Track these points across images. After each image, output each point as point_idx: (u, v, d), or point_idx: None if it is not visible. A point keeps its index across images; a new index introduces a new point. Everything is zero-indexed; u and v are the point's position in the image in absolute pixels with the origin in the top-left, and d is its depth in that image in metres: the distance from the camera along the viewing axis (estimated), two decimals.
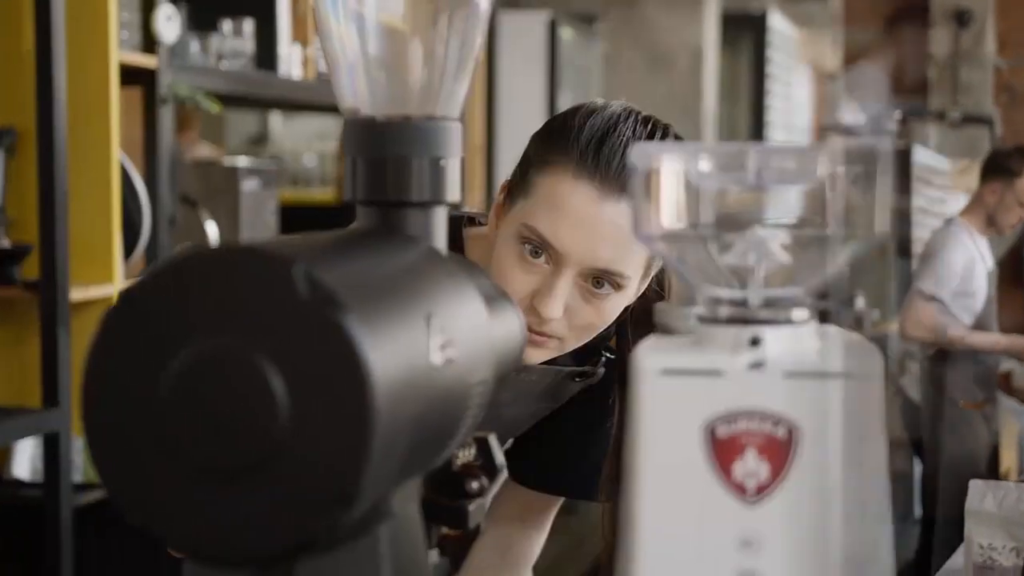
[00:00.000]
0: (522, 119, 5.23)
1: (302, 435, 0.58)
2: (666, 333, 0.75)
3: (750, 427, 0.66)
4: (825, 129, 4.42)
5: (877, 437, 0.66)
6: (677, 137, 1.30)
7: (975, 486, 2.01)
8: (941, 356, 4.22)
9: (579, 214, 1.21)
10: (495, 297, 0.83)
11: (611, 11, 5.59)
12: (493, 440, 0.85)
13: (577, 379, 1.40)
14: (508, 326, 0.83)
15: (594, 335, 1.28)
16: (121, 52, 2.47)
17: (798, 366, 0.66)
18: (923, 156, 6.08)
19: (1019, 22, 9.82)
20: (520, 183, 1.27)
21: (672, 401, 0.66)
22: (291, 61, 3.16)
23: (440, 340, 0.67)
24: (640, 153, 0.69)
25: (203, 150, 3.91)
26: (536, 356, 1.27)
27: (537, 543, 1.50)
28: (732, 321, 0.68)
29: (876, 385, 0.66)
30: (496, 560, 1.45)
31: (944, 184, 6.19)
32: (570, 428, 1.43)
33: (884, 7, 10.04)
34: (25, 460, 2.51)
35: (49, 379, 2.26)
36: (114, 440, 0.61)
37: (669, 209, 0.70)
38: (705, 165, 0.68)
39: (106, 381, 0.61)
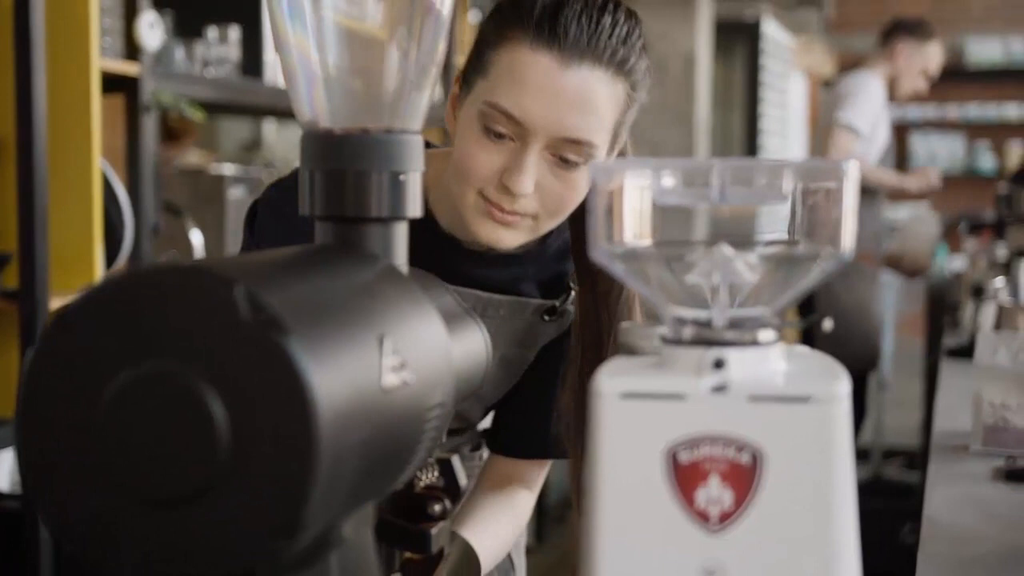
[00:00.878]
0: None
1: (243, 462, 0.56)
2: (630, 353, 0.73)
3: (713, 453, 0.64)
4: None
5: (844, 462, 0.64)
6: (634, 16, 1.26)
7: (985, 338, 1.89)
8: None
9: (540, 84, 1.19)
10: (457, 315, 0.81)
11: None
12: (456, 461, 0.82)
13: (547, 317, 1.38)
14: (470, 344, 0.80)
15: (566, 214, 1.26)
16: (103, 59, 2.45)
17: (763, 389, 0.64)
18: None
19: None
20: (476, 65, 1.24)
21: (633, 426, 0.64)
22: (277, 68, 3.14)
23: (393, 362, 0.65)
24: (600, 170, 0.67)
25: (192, 157, 3.89)
26: (510, 238, 1.25)
27: (531, 501, 1.47)
28: (696, 342, 0.66)
29: (843, 409, 0.64)
30: (496, 509, 1.41)
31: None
32: (544, 387, 1.41)
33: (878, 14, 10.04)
34: (5, 471, 2.48)
35: None
36: (49, 464, 0.58)
37: (630, 227, 0.68)
38: (668, 182, 0.66)
39: (42, 403, 0.58)
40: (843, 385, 0.64)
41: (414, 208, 0.76)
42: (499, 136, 1.21)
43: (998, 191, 4.19)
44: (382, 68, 0.76)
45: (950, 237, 9.68)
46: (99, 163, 2.40)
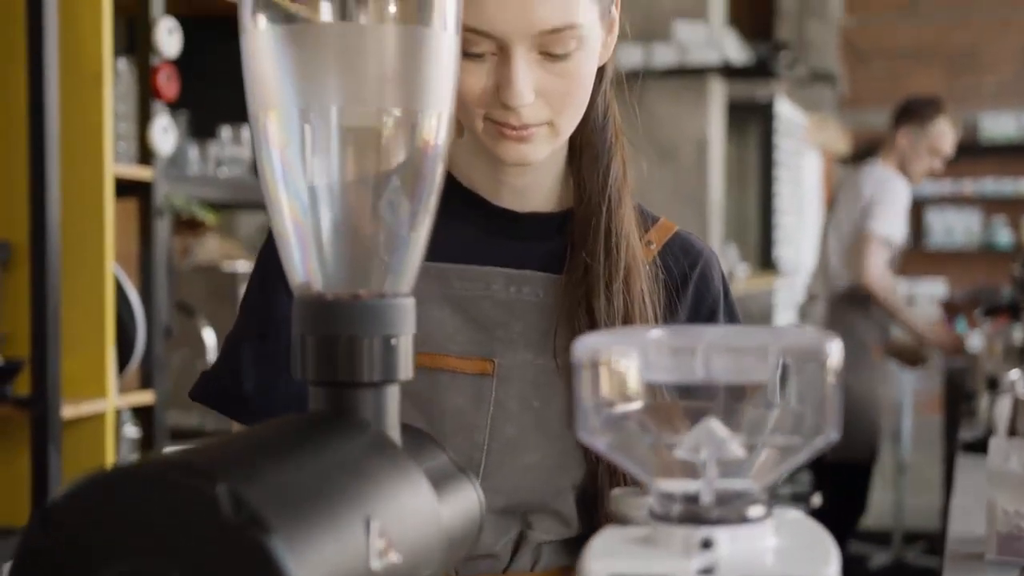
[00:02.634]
0: None
1: None
2: (622, 522, 0.73)
3: None
4: None
5: None
6: None
7: (996, 444, 1.87)
8: (852, 297, 4.30)
9: None
10: (450, 475, 0.81)
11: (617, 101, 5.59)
12: None
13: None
14: (462, 506, 0.80)
15: (581, 107, 1.17)
16: (117, 165, 2.47)
17: (751, 570, 0.64)
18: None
19: None
20: None
21: None
22: None
23: (381, 543, 0.65)
24: (584, 346, 0.67)
25: (211, 244, 3.92)
26: (534, 152, 1.17)
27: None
28: (684, 520, 0.66)
29: None
30: None
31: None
32: None
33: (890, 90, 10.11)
34: None
35: (40, 498, 2.24)
36: None
37: (616, 400, 0.68)
38: (653, 358, 0.66)
39: None
40: (833, 567, 0.64)
41: (406, 371, 0.76)
42: (479, 56, 1.13)
43: (1013, 272, 4.17)
44: (374, 233, 0.77)
45: (968, 313, 9.67)
46: (112, 268, 2.42)
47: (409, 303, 0.77)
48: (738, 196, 7.21)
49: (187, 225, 3.59)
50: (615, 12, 1.23)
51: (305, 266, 0.76)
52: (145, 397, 2.52)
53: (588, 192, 1.25)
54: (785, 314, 6.99)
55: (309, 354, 0.75)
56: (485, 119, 1.16)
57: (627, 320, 1.18)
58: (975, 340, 5.01)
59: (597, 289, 1.19)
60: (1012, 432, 2.78)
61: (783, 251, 7.38)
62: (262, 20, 0.74)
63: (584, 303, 1.19)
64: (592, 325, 1.17)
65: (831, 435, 0.65)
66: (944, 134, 4.50)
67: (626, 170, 1.28)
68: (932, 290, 10.14)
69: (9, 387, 2.30)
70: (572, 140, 1.26)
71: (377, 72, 0.75)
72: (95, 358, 2.38)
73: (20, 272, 2.36)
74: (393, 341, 0.75)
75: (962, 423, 3.63)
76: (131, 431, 2.59)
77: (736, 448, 0.66)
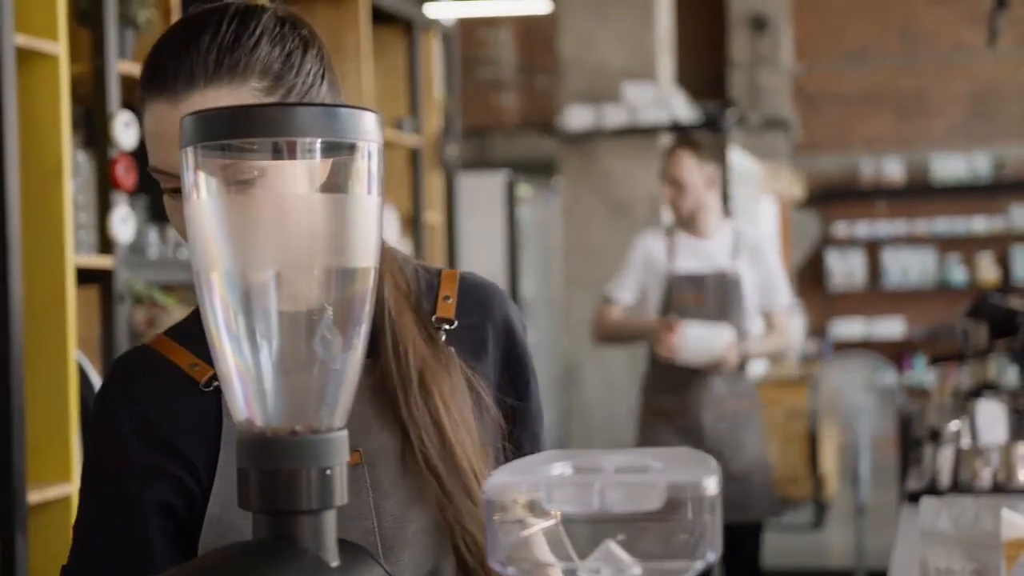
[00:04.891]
0: (484, 275, 5.34)
1: None
2: None
3: None
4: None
5: None
6: (288, 22, 1.21)
7: (928, 504, 1.91)
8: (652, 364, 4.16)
9: (161, 130, 1.16)
10: None
11: (568, 163, 5.73)
12: None
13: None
14: None
15: None
16: (78, 255, 2.55)
17: None
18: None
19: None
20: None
21: None
22: None
23: None
24: (495, 487, 0.75)
25: (175, 316, 3.97)
26: None
27: None
28: None
29: None
30: None
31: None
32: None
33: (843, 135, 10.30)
34: None
35: None
36: None
37: (522, 530, 0.76)
38: (554, 494, 0.75)
39: None
40: None
41: (341, 497, 0.84)
42: (175, 192, 1.18)
43: (957, 324, 4.25)
44: (309, 372, 0.85)
45: (926, 349, 9.83)
46: (74, 355, 2.49)
47: (342, 436, 0.85)
48: None
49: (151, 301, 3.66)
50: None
51: (247, 405, 0.85)
52: None
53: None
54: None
55: (252, 486, 0.83)
56: None
57: (437, 417, 1.25)
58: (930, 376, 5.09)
59: (400, 400, 1.26)
60: (955, 484, 2.87)
61: None
62: (203, 191, 0.83)
63: (395, 409, 1.26)
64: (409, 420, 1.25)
65: (710, 557, 0.74)
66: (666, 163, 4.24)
67: (404, 279, 1.31)
68: (890, 329, 10.31)
69: None
70: None
71: (309, 234, 0.83)
72: (60, 444, 2.44)
73: None
74: (328, 471, 0.84)
75: (911, 470, 3.71)
76: None
77: (634, 569, 0.75)
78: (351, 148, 0.84)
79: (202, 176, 0.84)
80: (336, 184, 0.84)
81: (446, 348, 1.29)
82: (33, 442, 2.41)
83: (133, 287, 2.67)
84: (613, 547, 0.75)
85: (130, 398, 1.25)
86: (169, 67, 1.17)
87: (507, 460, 1.29)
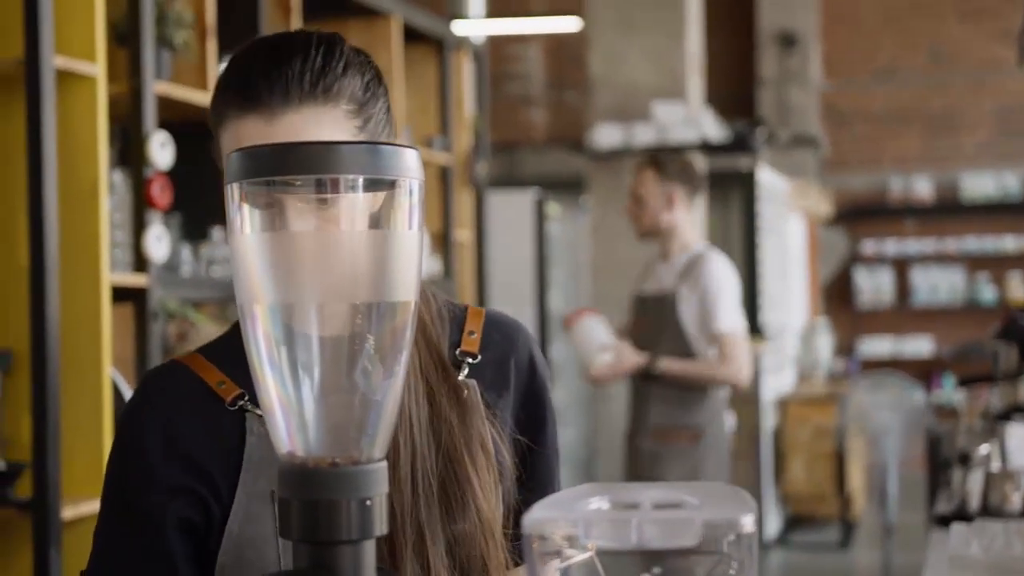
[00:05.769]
0: (513, 294, 5.37)
1: None
2: None
3: None
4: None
5: None
6: (362, 53, 1.25)
7: (958, 531, 1.93)
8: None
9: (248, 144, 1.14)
10: None
11: (597, 181, 5.75)
12: None
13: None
14: None
15: None
16: (113, 273, 2.58)
17: None
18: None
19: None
20: (219, 155, 1.23)
21: None
22: None
23: None
24: (531, 520, 0.77)
25: (207, 331, 4.00)
26: None
27: None
28: None
29: None
30: None
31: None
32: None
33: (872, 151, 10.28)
34: None
35: None
36: None
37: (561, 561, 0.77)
38: (592, 530, 0.76)
39: None
40: None
41: (381, 527, 0.86)
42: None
43: (987, 346, 4.22)
44: (351, 406, 0.87)
45: (954, 367, 9.78)
46: (109, 373, 2.52)
47: (382, 467, 0.87)
48: None
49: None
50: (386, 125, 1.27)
51: (290, 437, 0.87)
52: None
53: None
54: (772, 379, 7.09)
55: (293, 516, 0.85)
56: None
57: (441, 440, 1.25)
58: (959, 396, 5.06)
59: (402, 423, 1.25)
60: (984, 508, 2.86)
61: (769, 316, 7.49)
62: (247, 226, 0.85)
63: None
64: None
65: None
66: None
67: (430, 314, 1.31)
68: (918, 348, 10.26)
69: (11, 490, 2.38)
70: None
71: (351, 269, 0.85)
72: (94, 460, 2.47)
73: (21, 378, 2.46)
74: (368, 502, 0.85)
75: (940, 492, 3.70)
76: None
77: None
78: (392, 184, 0.85)
79: (246, 210, 0.86)
80: (378, 219, 0.86)
81: (467, 381, 1.30)
82: (68, 458, 2.44)
83: (167, 305, 2.70)
84: None
85: (157, 412, 1.27)
86: (262, 85, 1.18)
87: (518, 495, 1.31)
